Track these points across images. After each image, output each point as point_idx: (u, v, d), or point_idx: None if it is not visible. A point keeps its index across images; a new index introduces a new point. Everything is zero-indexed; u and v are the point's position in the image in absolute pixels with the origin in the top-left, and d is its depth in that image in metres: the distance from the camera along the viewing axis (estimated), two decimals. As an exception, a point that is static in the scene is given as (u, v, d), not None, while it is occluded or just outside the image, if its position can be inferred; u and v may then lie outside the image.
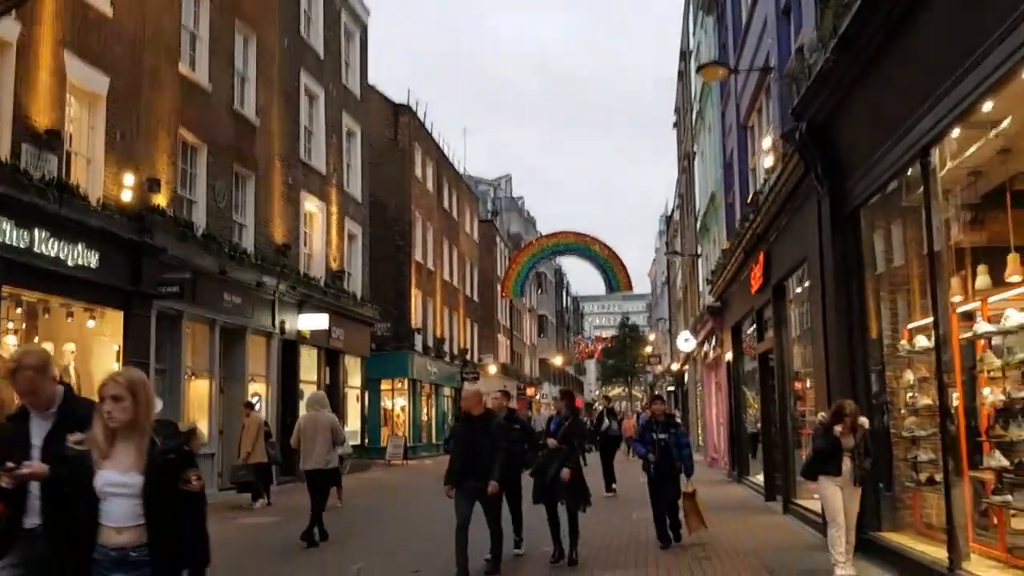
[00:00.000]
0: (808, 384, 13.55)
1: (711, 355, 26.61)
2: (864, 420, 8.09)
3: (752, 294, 15.31)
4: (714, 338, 24.83)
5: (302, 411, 21.64)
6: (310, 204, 23.14)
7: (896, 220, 9.65)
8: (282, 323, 20.62)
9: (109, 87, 14.45)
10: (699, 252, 29.50)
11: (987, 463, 7.34)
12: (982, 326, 7.49)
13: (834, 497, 7.95)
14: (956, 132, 7.55)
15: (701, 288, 28.49)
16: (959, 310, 7.97)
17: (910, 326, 9.39)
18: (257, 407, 18.03)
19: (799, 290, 13.37)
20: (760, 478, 16.40)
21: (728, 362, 20.98)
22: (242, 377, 19.06)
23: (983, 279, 8.16)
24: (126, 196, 14.44)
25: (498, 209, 59.61)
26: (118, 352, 14.44)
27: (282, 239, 21.04)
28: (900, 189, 9.27)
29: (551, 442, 9.43)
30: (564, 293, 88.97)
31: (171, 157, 16.45)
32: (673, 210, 47.76)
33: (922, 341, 8.81)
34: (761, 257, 14.19)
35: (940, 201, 7.78)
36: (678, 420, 10.73)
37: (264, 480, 15.98)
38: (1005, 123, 7.21)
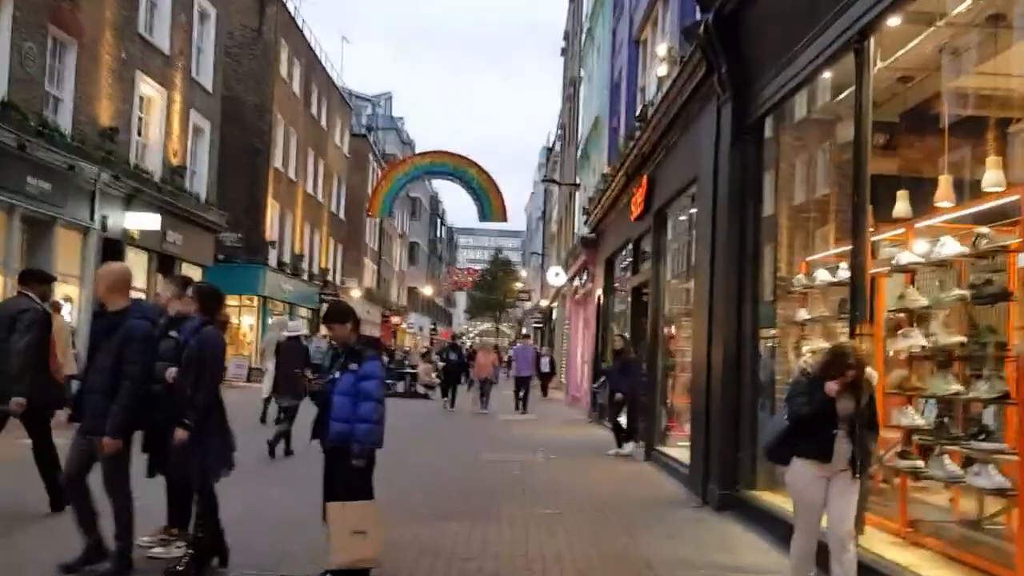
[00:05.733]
0: (675, 327, 12.42)
1: (581, 291, 25.51)
2: (872, 373, 5.30)
3: (631, 222, 13.98)
4: (586, 272, 23.68)
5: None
6: (147, 87, 20.25)
7: (804, 134, 8.36)
8: (104, 218, 17.97)
9: None
10: (578, 182, 28.18)
11: (897, 420, 6.13)
12: (906, 256, 6.20)
13: (813, 493, 5.10)
14: (895, 20, 6.15)
15: (576, 221, 27.25)
16: (875, 238, 6.69)
17: (810, 258, 8.17)
18: (66, 311, 15.55)
19: (683, 217, 12.09)
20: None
21: (598, 297, 19.81)
22: (49, 277, 16.43)
23: (903, 205, 6.92)
24: None
25: (374, 126, 56.64)
26: None
27: (109, 122, 18.23)
28: (813, 97, 7.97)
29: (169, 373, 5.49)
30: (439, 222, 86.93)
31: (-39, 4, 13.58)
32: (554, 142, 46.42)
33: (823, 275, 7.57)
34: (644, 180, 12.81)
35: (870, 102, 6.38)
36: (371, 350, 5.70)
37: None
38: (961, 7, 5.86)
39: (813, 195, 8.26)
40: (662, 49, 11.99)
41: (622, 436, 13.07)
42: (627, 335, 14.01)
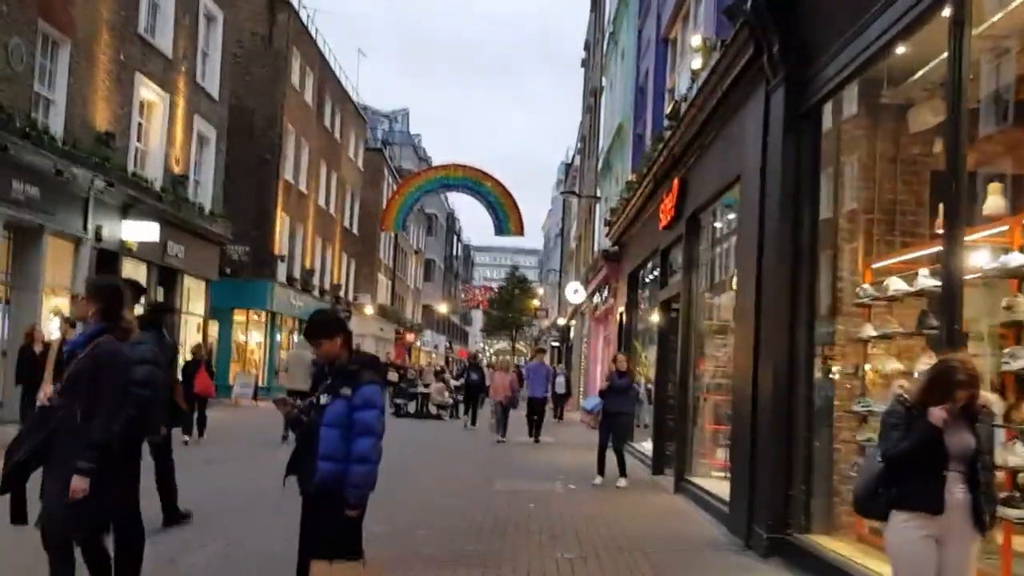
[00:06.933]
0: (709, 344, 11.28)
1: (601, 307, 24.37)
2: (991, 397, 4.20)
3: (659, 231, 12.84)
4: (607, 288, 22.55)
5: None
6: (148, 91, 19.37)
7: (872, 121, 7.24)
8: (98, 228, 17.02)
9: None
10: (598, 195, 27.11)
11: (1003, 459, 4.96)
12: (1016, 258, 5.05)
13: (921, 557, 3.93)
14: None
15: (597, 235, 26.17)
16: (968, 238, 5.54)
17: (877, 264, 7.03)
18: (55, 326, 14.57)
19: (718, 225, 10.98)
20: (647, 446, 14.13)
21: (621, 314, 18.65)
22: (36, 288, 15.47)
23: (996, 200, 5.79)
24: None
25: (389, 141, 55.85)
26: None
27: (105, 126, 17.32)
28: (885, 76, 6.86)
29: (43, 395, 4.50)
30: (455, 239, 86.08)
31: (-58, -5, 12.69)
32: (573, 156, 45.46)
33: (898, 284, 6.44)
34: (676, 184, 11.68)
35: (968, 72, 5.25)
36: (364, 370, 4.44)
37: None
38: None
39: (881, 193, 7.14)
40: (696, 40, 10.90)
41: (623, 466, 11.85)
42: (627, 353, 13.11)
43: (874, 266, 7.05)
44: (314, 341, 4.44)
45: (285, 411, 4.60)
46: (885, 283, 6.58)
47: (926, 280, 5.97)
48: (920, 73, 6.49)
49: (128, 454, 5.11)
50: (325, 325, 4.46)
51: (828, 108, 7.31)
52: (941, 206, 5.86)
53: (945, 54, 5.77)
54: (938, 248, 5.78)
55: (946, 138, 5.33)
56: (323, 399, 4.33)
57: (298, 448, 4.45)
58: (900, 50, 6.26)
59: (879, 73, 6.81)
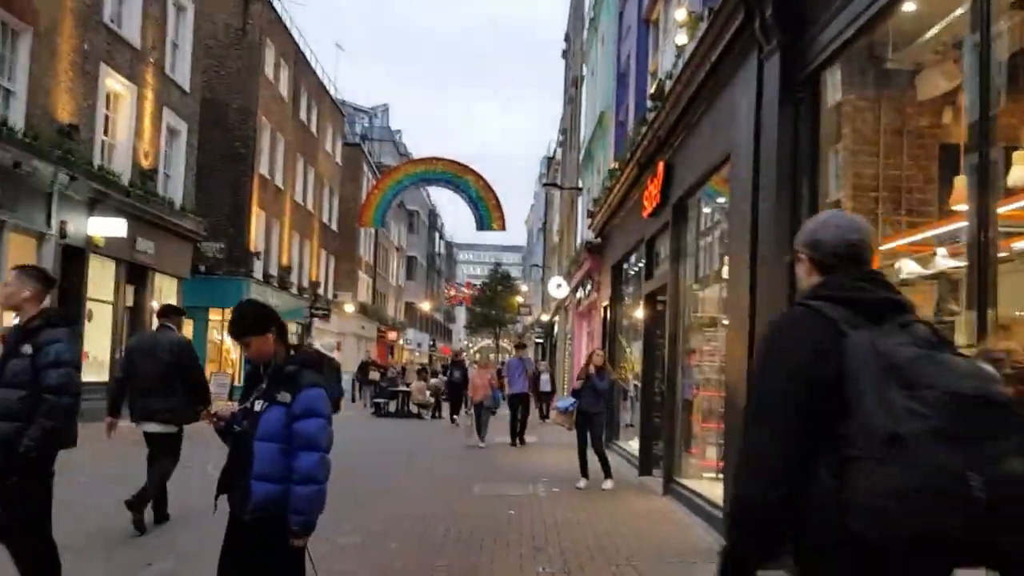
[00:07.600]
0: (690, 339, 10.70)
1: (585, 302, 23.80)
2: None
3: (644, 219, 12.25)
4: (590, 282, 21.96)
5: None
6: (115, 82, 18.59)
7: (878, 88, 6.65)
8: (62, 224, 16.27)
9: None
10: (580, 187, 26.53)
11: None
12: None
13: None
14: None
15: (580, 228, 25.61)
16: (1002, 209, 4.95)
17: (883, 246, 6.45)
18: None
19: (707, 210, 10.40)
20: (633, 445, 13.56)
21: (604, 308, 18.05)
22: (-6, 287, 14.71)
23: (1021, 170, 5.22)
24: None
25: (368, 135, 55.05)
26: None
27: (68, 118, 16.56)
28: (893, 37, 6.28)
29: None
30: (437, 236, 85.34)
31: None
32: (555, 149, 44.87)
33: (910, 266, 5.86)
34: (661, 168, 11.09)
35: (998, 17, 4.68)
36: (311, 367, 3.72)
37: None
38: None
39: (889, 167, 6.56)
40: (680, 14, 10.30)
41: (608, 467, 11.30)
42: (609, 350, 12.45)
43: (881, 248, 6.47)
44: (242, 339, 3.72)
45: (214, 424, 3.92)
46: (896, 265, 6.00)
47: (945, 261, 5.40)
48: (931, 33, 5.91)
49: (37, 470, 4.48)
50: (256, 319, 3.74)
51: (828, 75, 6.71)
52: (960, 179, 5.32)
53: (959, 11, 5.22)
54: (956, 225, 5.22)
55: (971, 100, 4.73)
56: (257, 406, 3.63)
57: (229, 463, 3.74)
58: (908, 7, 5.70)
59: (884, 35, 6.23)
